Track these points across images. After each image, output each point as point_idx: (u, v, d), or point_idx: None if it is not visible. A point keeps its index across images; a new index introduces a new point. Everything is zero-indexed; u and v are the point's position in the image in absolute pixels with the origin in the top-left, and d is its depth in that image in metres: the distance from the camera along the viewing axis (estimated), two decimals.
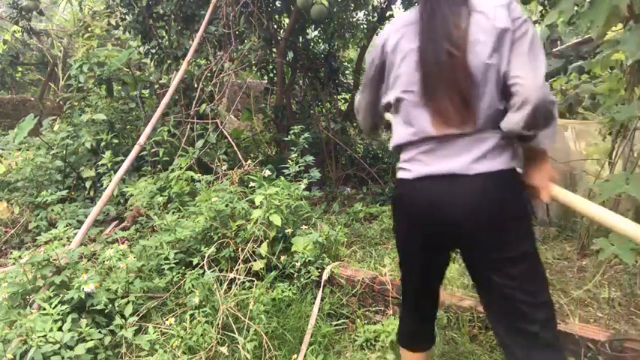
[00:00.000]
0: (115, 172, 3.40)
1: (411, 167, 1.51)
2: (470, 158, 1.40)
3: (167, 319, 2.32)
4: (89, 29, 6.56)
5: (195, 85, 4.60)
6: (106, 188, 3.32)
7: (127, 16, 5.41)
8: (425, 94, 1.44)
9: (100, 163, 4.04)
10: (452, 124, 1.41)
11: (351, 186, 5.35)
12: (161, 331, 2.32)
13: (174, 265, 2.66)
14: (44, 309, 2.17)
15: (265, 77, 6.42)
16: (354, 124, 6.16)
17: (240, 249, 2.86)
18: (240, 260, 2.78)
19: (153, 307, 2.50)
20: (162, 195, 3.39)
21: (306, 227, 3.19)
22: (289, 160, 3.61)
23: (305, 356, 2.30)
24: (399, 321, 1.88)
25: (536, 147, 1.46)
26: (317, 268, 2.83)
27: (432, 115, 1.44)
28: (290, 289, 2.63)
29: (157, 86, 5.09)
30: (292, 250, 2.91)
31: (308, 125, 5.26)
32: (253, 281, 2.65)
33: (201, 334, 2.24)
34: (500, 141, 1.42)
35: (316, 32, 6.16)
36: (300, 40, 5.87)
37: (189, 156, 3.93)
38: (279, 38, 5.47)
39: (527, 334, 1.41)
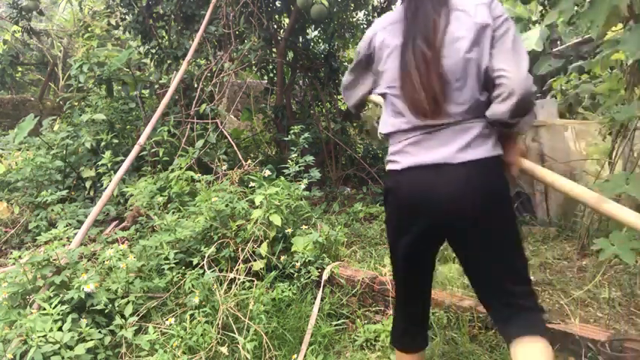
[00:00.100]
0: (115, 172, 3.40)
1: (400, 159, 1.59)
2: (455, 148, 1.49)
3: (167, 319, 2.32)
4: (89, 29, 6.56)
5: (195, 85, 4.60)
6: (106, 188, 3.32)
7: (127, 16, 5.41)
8: (402, 87, 1.55)
9: (100, 163, 4.03)
10: (427, 116, 1.51)
11: (351, 186, 5.35)
12: (161, 331, 2.32)
13: (174, 265, 2.66)
14: (44, 309, 2.17)
15: (265, 77, 6.42)
16: (354, 124, 6.16)
17: (240, 249, 2.86)
18: (240, 260, 2.78)
19: (153, 307, 2.50)
20: (162, 195, 3.39)
21: (306, 227, 3.19)
22: (289, 160, 3.61)
23: (305, 356, 2.30)
24: (392, 321, 1.90)
25: (518, 132, 1.58)
26: (317, 268, 2.83)
27: (408, 107, 1.54)
28: (290, 289, 2.63)
29: (156, 86, 5.09)
30: (292, 250, 2.91)
31: (308, 125, 5.26)
32: (253, 281, 2.65)
33: (201, 334, 2.24)
34: (484, 130, 1.52)
35: (316, 32, 6.16)
36: (300, 40, 5.87)
37: (189, 156, 3.93)
38: (279, 38, 5.48)
39: (512, 306, 1.56)
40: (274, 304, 2.56)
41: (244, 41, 4.76)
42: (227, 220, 3.04)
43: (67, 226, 3.25)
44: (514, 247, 1.58)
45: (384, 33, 1.62)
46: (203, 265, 2.69)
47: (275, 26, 5.61)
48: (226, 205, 3.04)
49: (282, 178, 3.38)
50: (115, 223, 3.84)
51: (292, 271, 2.82)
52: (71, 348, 2.04)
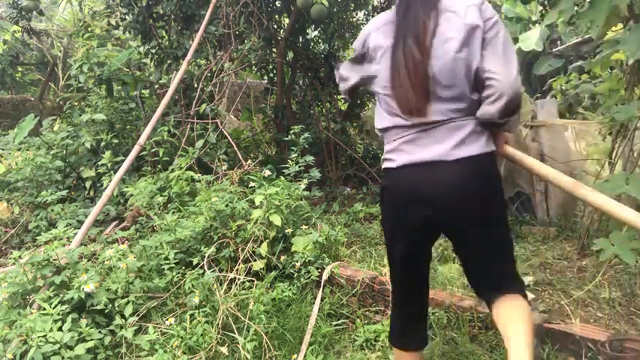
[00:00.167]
0: (115, 172, 3.40)
1: (395, 157, 1.63)
2: (449, 145, 1.54)
3: (167, 319, 2.32)
4: (89, 29, 6.55)
5: (195, 85, 4.60)
6: (106, 188, 3.32)
7: (127, 16, 5.40)
8: (392, 86, 1.60)
9: (100, 163, 4.03)
10: (414, 114, 1.57)
11: (351, 186, 5.35)
12: (161, 331, 2.32)
13: (174, 265, 2.66)
14: (44, 309, 2.17)
15: (265, 77, 6.42)
16: (354, 124, 6.15)
17: (240, 249, 2.86)
18: (240, 260, 2.78)
19: (153, 307, 2.50)
20: (162, 195, 3.39)
21: (306, 227, 3.19)
22: (289, 160, 3.61)
23: (305, 356, 2.30)
24: (390, 320, 1.91)
25: (507, 131, 1.66)
26: (317, 268, 2.83)
27: (397, 105, 1.60)
28: (290, 289, 2.63)
29: (156, 86, 5.09)
30: (292, 250, 2.91)
31: (308, 125, 5.26)
32: (253, 281, 2.65)
33: (201, 334, 2.23)
34: (477, 127, 1.57)
35: (316, 32, 6.16)
36: (300, 40, 5.87)
37: (189, 156, 3.93)
38: (279, 38, 5.47)
39: (499, 281, 1.66)
40: (274, 304, 2.56)
41: (244, 41, 4.75)
42: (227, 220, 3.04)
43: (67, 226, 3.25)
44: (504, 234, 1.68)
45: (378, 34, 1.66)
46: (203, 265, 2.69)
47: (275, 26, 5.60)
48: (226, 205, 3.04)
49: (282, 178, 3.37)
50: (115, 223, 3.84)
51: (292, 271, 2.82)
52: (71, 348, 2.04)
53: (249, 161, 3.90)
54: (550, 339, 2.17)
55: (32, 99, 8.06)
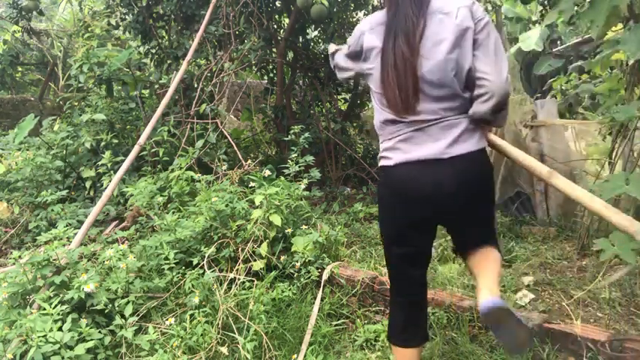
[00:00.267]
0: (115, 172, 3.40)
1: (392, 155, 1.69)
2: (444, 144, 1.61)
3: (167, 319, 2.32)
4: (89, 29, 6.55)
5: (195, 85, 4.60)
6: (106, 188, 3.32)
7: (127, 16, 5.40)
8: (382, 84, 1.66)
9: (100, 163, 4.03)
10: (401, 112, 1.63)
11: (351, 186, 5.34)
12: (161, 331, 2.32)
13: (174, 265, 2.66)
14: (44, 309, 2.17)
15: (265, 77, 6.41)
16: (354, 124, 6.15)
17: (240, 249, 2.86)
18: (240, 260, 2.78)
19: (153, 307, 2.50)
20: (162, 195, 3.39)
21: (306, 227, 3.19)
22: (289, 160, 3.61)
23: (305, 356, 2.30)
24: (388, 317, 1.92)
25: (496, 125, 1.79)
26: (317, 268, 2.83)
27: (387, 103, 1.66)
28: (290, 289, 2.63)
29: (157, 86, 5.09)
30: (292, 250, 2.91)
31: (308, 125, 5.25)
32: (253, 281, 2.65)
33: (201, 334, 2.24)
34: (469, 125, 1.64)
35: (316, 32, 6.15)
36: (300, 40, 5.86)
37: (189, 156, 3.92)
38: (279, 38, 5.47)
39: (480, 244, 1.79)
40: (274, 304, 2.56)
41: (244, 41, 4.75)
42: (227, 220, 3.04)
43: (67, 226, 3.25)
44: (491, 212, 1.83)
45: (372, 34, 1.70)
46: (203, 265, 2.69)
47: (275, 26, 5.60)
48: (226, 205, 3.04)
49: (282, 178, 3.37)
50: (115, 223, 3.84)
51: (292, 271, 2.82)
52: (71, 348, 2.04)
53: (249, 161, 3.90)
54: (550, 339, 2.18)
55: (32, 99, 8.06)
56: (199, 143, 4.12)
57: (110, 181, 3.36)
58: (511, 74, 4.38)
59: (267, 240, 2.88)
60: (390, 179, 1.72)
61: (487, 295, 1.60)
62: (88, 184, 4.32)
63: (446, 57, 1.56)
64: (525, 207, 4.15)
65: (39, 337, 2.00)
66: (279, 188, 3.10)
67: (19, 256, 2.42)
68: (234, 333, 2.26)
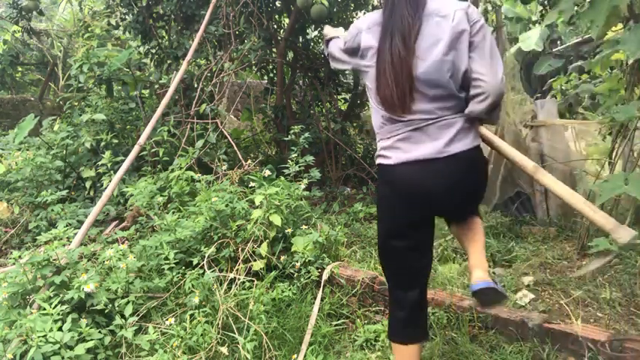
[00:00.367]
0: (115, 172, 3.40)
1: (391, 154, 1.73)
2: (443, 143, 1.66)
3: (167, 319, 2.32)
4: (89, 29, 6.55)
5: (195, 85, 4.60)
6: (106, 188, 3.32)
7: (127, 16, 5.40)
8: (377, 83, 1.69)
9: (100, 163, 4.03)
10: (396, 111, 1.67)
11: (351, 186, 5.34)
12: (161, 331, 2.32)
13: (174, 265, 2.66)
14: (44, 309, 2.17)
15: (265, 77, 6.41)
16: (354, 124, 6.15)
17: (240, 249, 2.86)
18: (240, 260, 2.78)
19: (153, 307, 2.50)
20: (162, 195, 3.39)
21: (306, 227, 3.19)
22: (289, 160, 3.61)
23: (305, 356, 2.30)
24: (388, 316, 1.94)
25: (490, 123, 1.85)
26: (317, 268, 2.83)
27: (380, 101, 1.70)
28: (290, 289, 2.63)
29: (157, 86, 5.08)
30: (292, 250, 2.91)
31: (308, 125, 5.25)
32: (253, 281, 2.65)
33: (201, 334, 2.23)
34: (465, 124, 1.70)
35: (316, 32, 6.15)
36: (300, 40, 5.86)
37: (189, 156, 3.92)
38: (279, 38, 5.47)
39: (469, 217, 1.95)
40: (274, 304, 2.56)
41: (244, 41, 4.75)
42: (227, 220, 3.04)
43: (67, 226, 3.25)
44: (482, 197, 1.96)
45: (369, 34, 1.73)
46: (203, 265, 2.69)
47: (275, 26, 5.60)
48: (226, 205, 3.04)
49: (282, 178, 3.37)
50: (115, 223, 3.84)
51: (292, 271, 2.82)
52: (71, 348, 2.04)
53: (249, 161, 3.90)
54: (550, 339, 2.18)
55: (32, 99, 8.06)
56: (199, 143, 4.12)
57: (110, 181, 3.36)
58: (511, 74, 4.38)
59: (267, 240, 2.88)
60: (390, 178, 1.76)
61: (480, 275, 1.79)
62: (88, 184, 4.32)
63: (442, 58, 1.60)
64: (525, 207, 4.15)
65: (39, 337, 2.00)
66: (279, 188, 3.10)
67: (19, 256, 2.42)
68: (234, 333, 2.26)
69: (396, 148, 1.71)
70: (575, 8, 2.89)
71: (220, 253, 2.85)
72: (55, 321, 2.10)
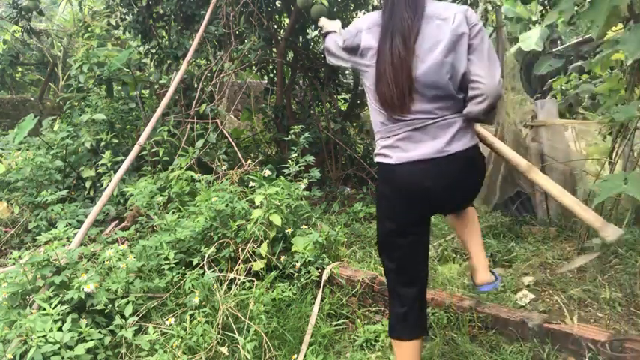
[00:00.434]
0: (115, 172, 3.40)
1: (392, 154, 1.76)
2: (443, 142, 1.70)
3: (167, 319, 2.32)
4: (89, 29, 6.55)
5: (195, 85, 4.60)
6: (106, 188, 3.32)
7: (127, 16, 5.40)
8: (377, 83, 1.71)
9: (100, 163, 4.03)
10: (395, 111, 1.70)
11: (351, 186, 5.34)
12: (161, 331, 2.32)
13: (174, 265, 2.66)
14: (44, 309, 2.17)
15: (265, 77, 6.41)
16: (354, 124, 6.15)
17: (240, 249, 2.86)
18: (240, 260, 2.78)
19: (153, 307, 2.50)
20: (162, 195, 3.39)
21: (306, 227, 3.19)
22: (289, 160, 3.61)
23: (305, 356, 2.30)
24: (389, 313, 1.95)
25: (487, 123, 1.86)
26: (317, 268, 2.83)
27: (379, 101, 1.73)
28: (290, 289, 2.63)
29: (156, 86, 5.08)
30: (292, 250, 2.91)
31: (308, 125, 5.25)
32: (253, 281, 2.65)
33: (201, 334, 2.24)
34: (463, 124, 1.74)
35: (316, 32, 6.15)
36: (300, 40, 5.87)
37: (189, 156, 3.92)
38: (279, 38, 5.47)
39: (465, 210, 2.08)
40: (274, 304, 2.56)
41: (244, 41, 4.75)
42: (227, 220, 3.04)
43: (67, 226, 3.25)
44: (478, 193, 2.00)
45: (369, 34, 1.75)
46: (203, 265, 2.69)
47: (275, 26, 5.60)
48: (226, 205, 3.04)
49: (282, 178, 3.37)
50: (115, 223, 3.84)
51: (292, 271, 2.82)
52: (71, 348, 2.04)
53: (249, 161, 3.89)
54: (550, 339, 2.18)
55: (32, 99, 8.06)
56: (199, 143, 4.12)
57: (110, 181, 3.36)
58: (511, 74, 4.38)
59: (267, 240, 2.88)
60: (390, 177, 1.79)
61: (484, 278, 2.00)
62: (88, 184, 4.32)
63: (442, 60, 1.63)
64: (525, 207, 4.15)
65: (39, 337, 2.00)
66: (279, 188, 3.10)
67: (19, 256, 2.42)
68: (234, 333, 2.26)
69: (397, 147, 1.74)
70: (575, 8, 2.90)
71: (220, 253, 2.85)
72: (55, 321, 2.10)
